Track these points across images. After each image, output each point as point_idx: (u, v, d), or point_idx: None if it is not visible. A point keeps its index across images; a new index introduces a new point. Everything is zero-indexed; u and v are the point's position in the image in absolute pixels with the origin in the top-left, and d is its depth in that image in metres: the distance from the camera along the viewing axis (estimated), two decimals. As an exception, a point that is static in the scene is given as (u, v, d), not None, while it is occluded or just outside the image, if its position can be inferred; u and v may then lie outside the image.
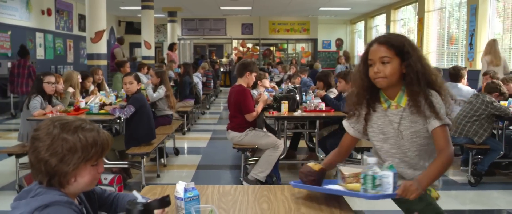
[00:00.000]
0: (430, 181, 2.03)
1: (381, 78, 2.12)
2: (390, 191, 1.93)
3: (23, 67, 9.87)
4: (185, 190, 1.78)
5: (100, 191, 1.84)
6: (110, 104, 5.45)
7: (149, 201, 1.47)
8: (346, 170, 2.13)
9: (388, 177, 1.92)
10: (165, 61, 14.56)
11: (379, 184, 1.92)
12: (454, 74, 5.87)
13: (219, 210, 1.81)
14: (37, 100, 4.80)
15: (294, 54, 22.16)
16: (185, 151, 7.00)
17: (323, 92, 5.51)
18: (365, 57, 2.18)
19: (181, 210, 1.79)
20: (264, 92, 5.97)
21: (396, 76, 2.12)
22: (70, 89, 5.80)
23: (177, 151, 6.53)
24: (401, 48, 2.10)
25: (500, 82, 5.17)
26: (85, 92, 6.33)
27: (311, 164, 2.22)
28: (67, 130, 1.50)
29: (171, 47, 15.24)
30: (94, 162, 1.56)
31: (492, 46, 7.62)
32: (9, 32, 11.23)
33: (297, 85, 6.44)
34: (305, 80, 7.95)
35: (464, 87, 5.87)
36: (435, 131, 2.09)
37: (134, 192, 1.59)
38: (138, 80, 5.11)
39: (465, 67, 6.74)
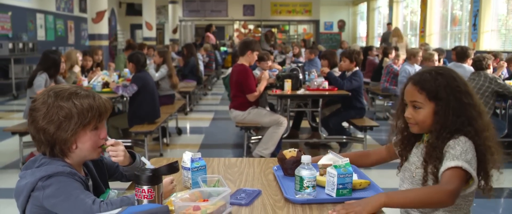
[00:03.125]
0: (395, 204, 1.62)
1: (412, 124, 1.81)
2: (329, 194, 1.68)
3: None
4: (192, 160, 1.78)
5: (110, 161, 1.85)
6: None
7: (157, 167, 1.48)
8: (327, 158, 1.88)
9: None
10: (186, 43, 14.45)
11: (307, 186, 1.63)
12: (461, 54, 5.76)
13: (226, 181, 1.81)
14: (42, 78, 4.72)
15: (295, 36, 22.04)
16: (188, 131, 7.01)
17: (326, 70, 5.48)
18: (402, 95, 1.87)
19: (188, 180, 1.79)
20: (267, 71, 5.94)
21: (430, 122, 1.77)
22: (76, 68, 5.80)
23: (179, 131, 6.54)
24: (434, 93, 1.74)
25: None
26: (87, 72, 6.32)
27: (285, 151, 1.98)
28: (61, 97, 1.53)
29: (209, 28, 14.89)
30: (93, 127, 1.59)
31: (396, 31, 11.83)
32: (10, 13, 11.15)
33: (300, 64, 6.40)
34: (317, 60, 7.89)
35: (469, 68, 5.82)
36: (444, 173, 1.67)
37: (142, 158, 1.60)
38: (130, 60, 5.04)
39: (473, 49, 6.77)
